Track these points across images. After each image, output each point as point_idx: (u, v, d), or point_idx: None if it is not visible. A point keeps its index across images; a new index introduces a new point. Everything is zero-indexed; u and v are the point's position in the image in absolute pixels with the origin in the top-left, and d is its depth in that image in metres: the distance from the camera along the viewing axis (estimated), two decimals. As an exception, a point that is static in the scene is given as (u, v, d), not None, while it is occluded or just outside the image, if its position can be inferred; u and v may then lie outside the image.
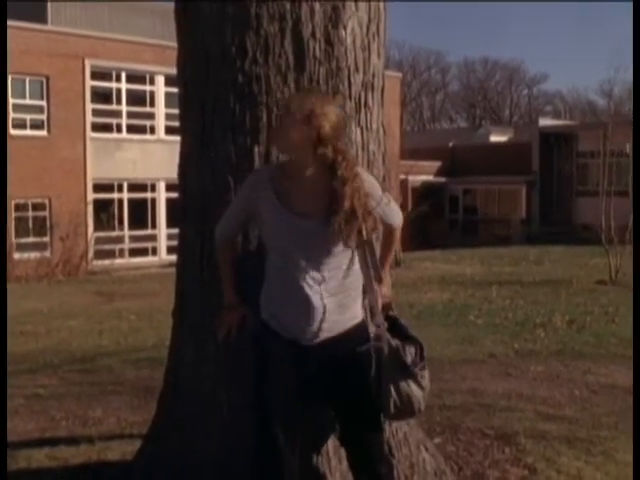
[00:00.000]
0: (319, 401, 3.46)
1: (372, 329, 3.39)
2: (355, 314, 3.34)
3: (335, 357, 3.27)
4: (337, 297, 3.25)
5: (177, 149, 3.98)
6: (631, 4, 7.27)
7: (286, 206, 3.21)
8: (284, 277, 3.24)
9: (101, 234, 27.22)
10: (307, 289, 3.20)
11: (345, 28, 3.66)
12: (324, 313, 3.22)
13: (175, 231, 4.22)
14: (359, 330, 3.34)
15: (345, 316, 3.29)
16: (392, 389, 3.34)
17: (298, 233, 3.19)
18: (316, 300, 3.20)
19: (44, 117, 26.24)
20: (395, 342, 3.37)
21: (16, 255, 24.19)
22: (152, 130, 28.84)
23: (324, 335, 3.24)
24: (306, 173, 3.22)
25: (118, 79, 28.27)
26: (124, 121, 28.39)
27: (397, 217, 3.48)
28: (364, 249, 3.32)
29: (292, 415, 3.26)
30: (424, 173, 38.79)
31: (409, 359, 3.37)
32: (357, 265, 3.33)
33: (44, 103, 26.29)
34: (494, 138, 46.44)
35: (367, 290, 3.38)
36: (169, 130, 27.52)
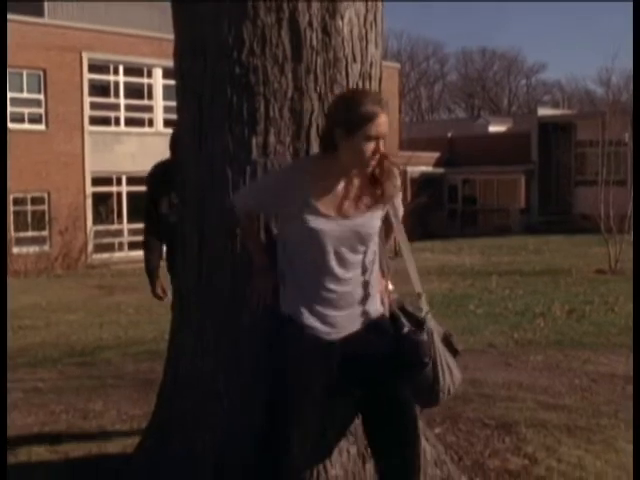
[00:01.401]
0: (343, 394, 3.45)
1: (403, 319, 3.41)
2: (376, 307, 3.36)
3: (361, 349, 3.27)
4: (361, 291, 3.28)
5: (174, 141, 3.97)
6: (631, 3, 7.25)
7: (321, 203, 3.19)
8: (311, 273, 3.22)
9: (100, 227, 27.23)
10: (335, 285, 3.21)
11: (342, 18, 3.64)
12: (350, 308, 3.25)
13: (174, 224, 4.20)
14: (381, 322, 3.36)
15: (369, 309, 3.31)
16: (447, 373, 3.37)
17: (329, 231, 3.18)
18: (344, 296, 3.22)
19: (42, 111, 26.21)
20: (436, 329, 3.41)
21: (15, 249, 24.19)
22: (150, 123, 28.81)
23: (350, 329, 3.26)
24: (348, 173, 3.22)
25: (116, 72, 28.23)
26: (122, 114, 28.36)
27: (400, 216, 3.49)
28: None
29: (312, 412, 3.27)
30: (423, 164, 38.77)
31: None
32: (376, 260, 3.36)
33: (42, 97, 26.25)
34: (493, 128, 46.40)
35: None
36: (167, 123, 27.47)
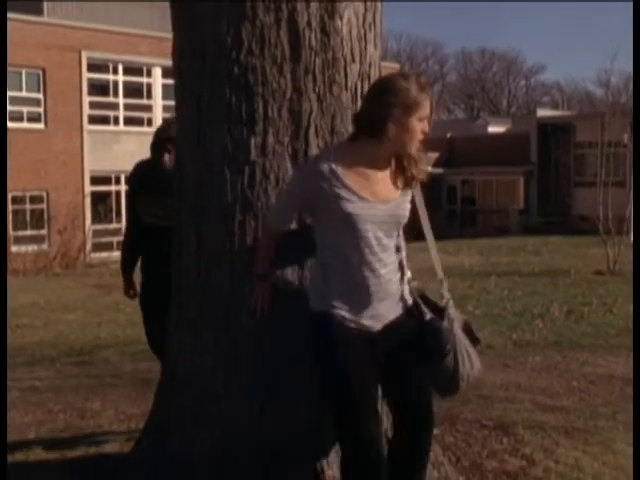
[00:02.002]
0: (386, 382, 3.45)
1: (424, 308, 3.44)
2: (407, 295, 3.39)
3: (399, 338, 3.32)
4: (397, 277, 3.33)
5: (173, 141, 3.97)
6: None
7: (358, 189, 3.19)
8: (348, 266, 3.22)
9: (99, 226, 27.23)
10: (377, 273, 3.23)
11: (341, 18, 3.64)
12: (390, 295, 3.29)
13: (172, 223, 4.20)
14: (413, 309, 3.40)
15: (404, 295, 3.37)
16: (467, 361, 3.40)
17: (368, 215, 3.19)
18: (385, 283, 3.26)
19: (41, 110, 26.22)
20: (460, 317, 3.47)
21: (14, 248, 24.18)
22: (149, 122, 28.80)
23: (390, 317, 3.30)
24: (383, 158, 3.25)
25: (115, 71, 28.24)
26: (121, 113, 28.38)
27: (423, 201, 3.57)
28: None
29: (371, 402, 3.27)
30: (422, 164, 38.67)
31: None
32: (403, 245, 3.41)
33: (41, 96, 26.26)
34: (492, 129, 46.39)
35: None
36: (166, 122, 27.46)
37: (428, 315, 3.40)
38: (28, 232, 25.64)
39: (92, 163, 27.08)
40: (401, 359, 3.35)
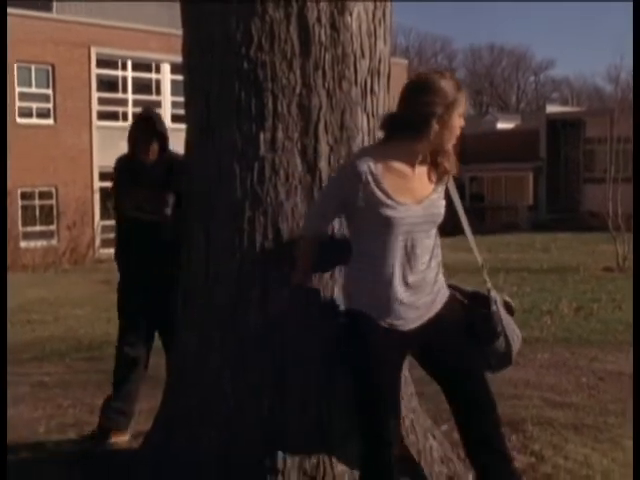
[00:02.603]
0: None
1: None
2: (444, 290, 3.44)
3: (445, 333, 3.38)
4: (435, 274, 3.38)
5: (183, 137, 3.96)
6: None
7: (396, 192, 3.21)
8: (385, 267, 3.24)
9: (108, 222, 27.21)
10: (418, 273, 3.28)
11: (351, 14, 3.63)
12: (429, 293, 3.33)
13: (181, 219, 4.20)
14: (449, 304, 3.45)
15: (441, 290, 3.42)
16: (514, 335, 3.55)
17: (404, 222, 3.22)
18: (424, 282, 3.31)
19: (50, 106, 26.27)
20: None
21: (23, 244, 24.24)
22: (158, 118, 28.82)
23: (429, 315, 3.34)
24: (418, 156, 3.28)
25: (124, 67, 28.27)
26: (130, 109, 28.39)
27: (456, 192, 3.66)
28: None
29: (397, 399, 3.35)
30: (430, 160, 38.63)
31: None
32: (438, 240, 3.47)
33: (50, 91, 26.31)
34: (501, 125, 46.28)
35: None
36: (175, 118, 27.43)
37: (468, 302, 3.54)
38: (37, 228, 25.70)
39: (101, 159, 27.08)
40: (453, 352, 3.42)
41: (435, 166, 3.33)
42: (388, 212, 3.19)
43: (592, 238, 23.47)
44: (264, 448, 3.57)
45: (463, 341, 3.45)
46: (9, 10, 17.11)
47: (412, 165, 3.27)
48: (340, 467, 3.60)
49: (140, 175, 4.89)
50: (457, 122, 3.26)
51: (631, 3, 6.49)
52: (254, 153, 3.60)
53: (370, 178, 3.18)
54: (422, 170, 3.31)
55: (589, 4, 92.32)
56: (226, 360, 3.69)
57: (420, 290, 3.30)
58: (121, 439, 4.83)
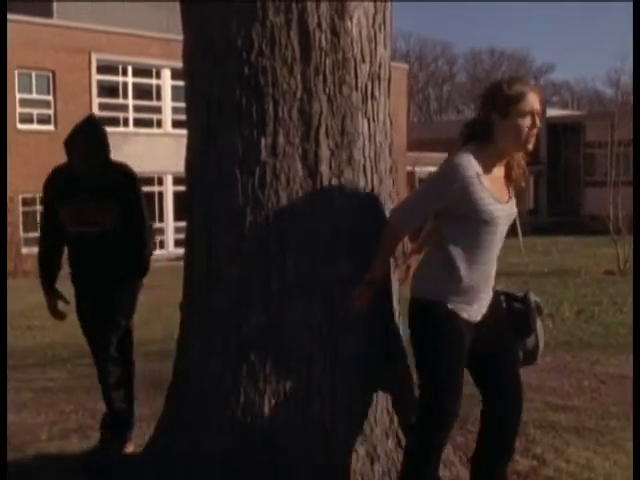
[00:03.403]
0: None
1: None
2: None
3: (492, 326, 3.55)
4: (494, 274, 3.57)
5: (184, 142, 3.97)
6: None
7: (492, 196, 3.39)
8: (477, 263, 3.43)
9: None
10: (491, 271, 3.50)
11: (351, 19, 3.64)
12: (490, 291, 3.56)
13: (183, 224, 4.22)
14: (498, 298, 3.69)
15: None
16: (541, 334, 3.79)
17: (494, 219, 3.41)
18: (491, 280, 3.53)
19: (51, 112, 26.27)
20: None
21: (24, 250, 24.19)
22: (159, 124, 28.85)
23: (484, 311, 3.54)
24: (503, 159, 3.47)
25: (124, 73, 28.27)
26: (131, 115, 28.40)
27: None
28: None
29: (461, 389, 3.48)
30: (431, 164, 38.62)
31: None
32: None
33: (50, 98, 26.31)
34: (501, 129, 46.17)
35: None
36: (176, 124, 27.52)
37: (506, 298, 3.74)
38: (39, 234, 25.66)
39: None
40: (494, 343, 3.59)
41: (509, 173, 3.54)
42: (490, 210, 3.37)
43: (593, 241, 23.48)
44: (267, 452, 3.58)
45: (502, 335, 3.63)
46: (9, 16, 17.14)
47: (497, 167, 3.46)
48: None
49: (81, 186, 4.66)
50: (518, 122, 3.35)
51: (631, 4, 6.48)
52: (255, 158, 3.61)
53: (476, 180, 3.35)
54: (501, 175, 3.51)
55: (589, 7, 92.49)
56: (228, 364, 3.69)
57: (488, 284, 3.51)
58: (126, 450, 4.74)
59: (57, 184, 4.84)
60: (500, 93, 3.38)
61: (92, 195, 4.63)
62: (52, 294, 4.91)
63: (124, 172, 4.80)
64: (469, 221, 3.39)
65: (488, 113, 3.41)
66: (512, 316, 3.70)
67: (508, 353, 3.66)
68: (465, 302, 3.43)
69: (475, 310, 3.48)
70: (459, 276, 3.40)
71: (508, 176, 3.53)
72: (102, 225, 4.64)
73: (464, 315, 3.44)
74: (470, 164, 3.36)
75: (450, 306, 3.41)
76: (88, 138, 4.73)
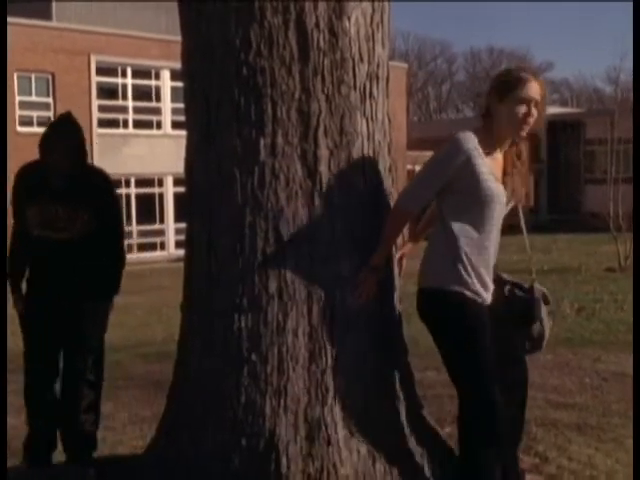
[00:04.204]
0: None
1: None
2: None
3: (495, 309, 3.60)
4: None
5: (184, 143, 3.97)
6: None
7: (492, 174, 3.45)
8: (479, 243, 3.48)
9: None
10: (493, 252, 3.56)
11: (349, 18, 3.64)
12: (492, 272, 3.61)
13: (183, 225, 4.21)
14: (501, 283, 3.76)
15: None
16: (548, 322, 3.91)
17: (498, 199, 3.47)
18: (493, 261, 3.58)
19: (50, 114, 26.27)
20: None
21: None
22: (159, 125, 28.89)
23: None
24: (502, 143, 3.53)
25: (124, 74, 28.32)
26: (130, 116, 28.46)
27: None
28: None
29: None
30: (431, 163, 38.61)
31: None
32: None
33: (50, 100, 26.35)
34: (501, 127, 46.18)
35: None
36: (175, 125, 27.55)
37: (511, 287, 3.79)
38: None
39: (102, 166, 26.88)
40: (499, 330, 3.58)
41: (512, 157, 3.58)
42: (491, 188, 3.42)
43: (593, 239, 23.50)
44: (268, 452, 3.58)
45: (505, 321, 3.67)
46: (9, 19, 17.16)
47: (492, 150, 3.49)
48: (344, 471, 3.60)
49: (51, 188, 4.39)
50: (514, 109, 3.41)
51: (631, 3, 6.48)
52: (254, 158, 3.61)
53: (477, 155, 3.40)
54: (500, 158, 3.55)
55: (588, 4, 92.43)
56: (229, 365, 3.69)
57: (489, 271, 3.55)
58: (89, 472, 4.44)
59: (26, 182, 4.55)
60: (501, 78, 3.50)
61: (63, 198, 4.36)
62: (20, 293, 4.62)
63: (101, 177, 4.60)
64: (470, 197, 3.43)
65: (489, 97, 3.53)
66: (517, 304, 3.74)
67: (512, 338, 3.73)
68: (476, 287, 3.46)
69: (485, 295, 3.52)
70: (465, 259, 3.43)
71: (510, 166, 3.57)
72: (71, 231, 4.37)
73: (479, 300, 3.48)
74: (470, 138, 3.43)
75: (468, 293, 3.45)
76: (66, 138, 4.44)
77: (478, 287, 3.47)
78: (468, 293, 3.44)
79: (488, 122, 3.52)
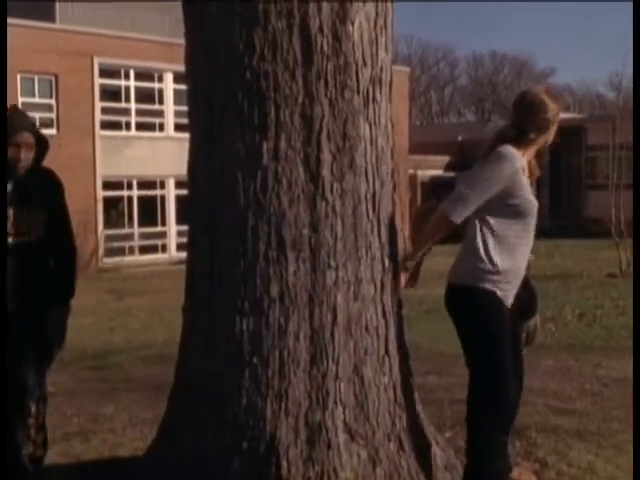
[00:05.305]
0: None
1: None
2: None
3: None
4: None
5: (186, 146, 3.98)
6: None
7: (527, 183, 3.74)
8: (517, 250, 3.75)
9: (111, 232, 27.29)
10: (523, 263, 3.82)
11: (352, 23, 3.65)
12: None
13: (185, 228, 4.21)
14: None
15: None
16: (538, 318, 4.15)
17: (533, 210, 3.77)
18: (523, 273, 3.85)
19: (53, 115, 26.30)
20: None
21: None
22: (161, 127, 28.87)
23: None
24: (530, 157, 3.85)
25: (127, 77, 28.30)
26: (133, 119, 28.43)
27: None
28: None
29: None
30: (433, 167, 38.69)
31: None
32: None
33: (53, 101, 26.34)
34: (503, 132, 46.10)
35: None
36: (178, 127, 27.55)
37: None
38: None
39: (104, 168, 27.13)
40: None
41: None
42: (531, 198, 3.73)
43: (595, 244, 23.46)
44: (268, 455, 3.58)
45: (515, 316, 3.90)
46: (12, 21, 17.20)
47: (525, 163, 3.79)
48: (344, 475, 3.60)
49: (13, 192, 4.10)
50: (549, 137, 3.90)
51: (631, 4, 6.48)
52: (257, 162, 3.62)
53: (522, 170, 3.69)
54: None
55: (589, 8, 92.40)
56: (230, 367, 3.70)
57: (518, 277, 3.83)
58: None
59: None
60: (541, 116, 3.80)
61: (22, 201, 4.09)
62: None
63: (52, 178, 4.37)
64: (512, 208, 3.69)
65: (526, 124, 3.77)
66: (519, 299, 3.89)
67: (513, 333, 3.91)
68: (505, 290, 3.73)
69: (511, 298, 3.79)
70: (500, 266, 3.68)
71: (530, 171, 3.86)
72: (34, 234, 4.11)
73: (505, 302, 3.75)
74: (518, 156, 3.70)
75: (499, 294, 3.71)
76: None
77: (508, 290, 3.75)
78: (499, 293, 3.70)
79: (521, 139, 3.77)
